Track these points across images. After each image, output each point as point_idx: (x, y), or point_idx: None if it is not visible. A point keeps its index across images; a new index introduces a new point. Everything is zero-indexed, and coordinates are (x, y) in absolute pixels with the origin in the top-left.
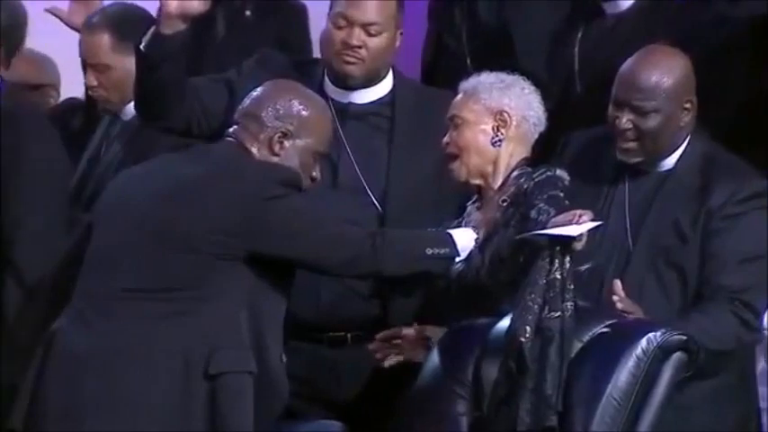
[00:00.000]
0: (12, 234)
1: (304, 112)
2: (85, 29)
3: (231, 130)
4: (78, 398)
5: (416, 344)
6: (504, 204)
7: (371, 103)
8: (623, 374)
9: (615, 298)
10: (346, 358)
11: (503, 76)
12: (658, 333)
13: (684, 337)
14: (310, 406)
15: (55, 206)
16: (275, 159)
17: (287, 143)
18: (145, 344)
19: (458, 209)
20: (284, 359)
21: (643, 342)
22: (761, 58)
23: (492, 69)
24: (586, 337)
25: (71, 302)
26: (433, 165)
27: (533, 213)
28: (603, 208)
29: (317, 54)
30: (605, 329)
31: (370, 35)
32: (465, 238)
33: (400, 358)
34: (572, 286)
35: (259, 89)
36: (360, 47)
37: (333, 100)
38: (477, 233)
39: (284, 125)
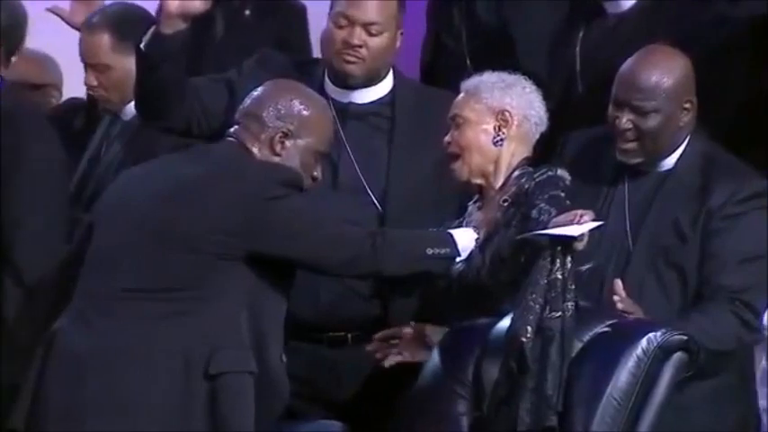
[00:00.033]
0: (12, 234)
1: (305, 112)
2: (85, 29)
3: (232, 130)
4: (79, 398)
5: (415, 343)
6: (506, 204)
7: (372, 102)
8: (623, 374)
9: (616, 298)
10: (346, 358)
11: (504, 75)
12: (659, 333)
13: (685, 338)
14: (310, 406)
15: (55, 206)
16: (276, 159)
17: (288, 143)
18: (145, 344)
19: (458, 209)
20: (284, 359)
21: (643, 342)
22: (761, 58)
23: (491, 69)
24: (587, 337)
25: (72, 302)
26: (434, 165)
27: (534, 213)
28: (603, 208)
29: (316, 54)
30: (606, 329)
31: (370, 35)
32: (466, 238)
33: (400, 358)
34: (573, 286)
35: (260, 89)
36: (360, 46)
37: (333, 100)
38: (478, 233)
39: (285, 125)
